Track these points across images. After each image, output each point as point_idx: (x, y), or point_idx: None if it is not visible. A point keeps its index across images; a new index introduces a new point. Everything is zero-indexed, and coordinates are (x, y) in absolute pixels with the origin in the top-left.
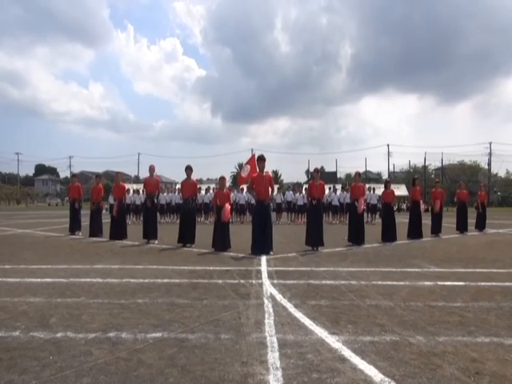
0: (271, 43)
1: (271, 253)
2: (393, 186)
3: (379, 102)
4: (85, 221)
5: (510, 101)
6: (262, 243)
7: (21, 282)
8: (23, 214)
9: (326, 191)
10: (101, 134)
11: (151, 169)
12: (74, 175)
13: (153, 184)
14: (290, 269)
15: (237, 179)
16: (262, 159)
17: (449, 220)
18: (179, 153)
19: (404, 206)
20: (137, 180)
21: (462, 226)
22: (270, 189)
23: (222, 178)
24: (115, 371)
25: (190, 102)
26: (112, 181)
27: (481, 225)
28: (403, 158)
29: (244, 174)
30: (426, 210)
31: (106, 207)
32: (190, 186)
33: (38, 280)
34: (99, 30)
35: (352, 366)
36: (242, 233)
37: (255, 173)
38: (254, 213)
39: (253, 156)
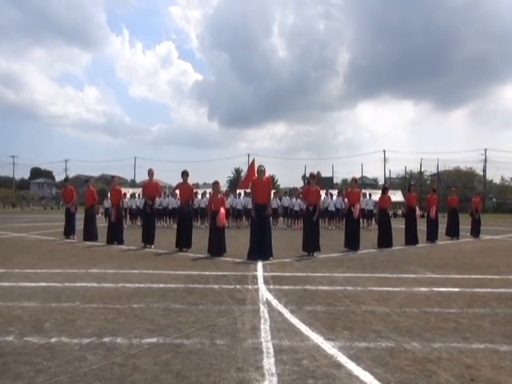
0: (268, 48)
1: (271, 258)
2: (389, 192)
3: (376, 107)
4: (80, 225)
5: (505, 108)
6: (260, 248)
7: (15, 287)
8: (18, 218)
9: (322, 196)
10: (97, 137)
11: (150, 172)
12: (66, 179)
13: (152, 187)
14: (286, 274)
15: (237, 184)
16: (261, 166)
17: (444, 226)
18: (176, 157)
19: (400, 212)
20: (133, 184)
21: (451, 232)
22: (269, 194)
23: (216, 183)
24: (110, 377)
25: (186, 106)
26: (108, 184)
27: (475, 231)
28: (399, 164)
29: (244, 180)
30: (422, 216)
31: (102, 211)
32: (186, 191)
33: (33, 284)
34: (96, 34)
35: (347, 372)
36: (238, 238)
37: (254, 176)
38: (253, 218)
39: (253, 161)
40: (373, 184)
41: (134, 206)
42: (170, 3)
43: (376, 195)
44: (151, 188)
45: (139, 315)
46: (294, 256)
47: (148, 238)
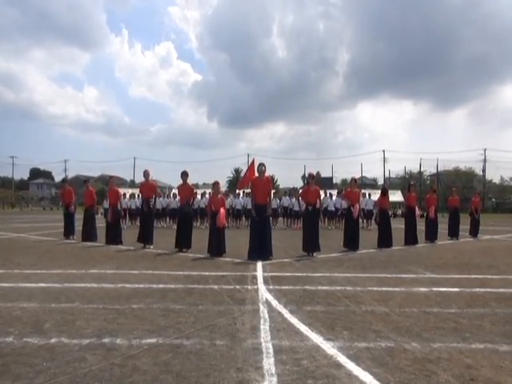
0: (268, 48)
1: (271, 258)
2: (389, 193)
3: (375, 107)
4: (79, 225)
5: (505, 107)
6: (260, 248)
7: (15, 287)
8: (17, 218)
9: (322, 196)
10: (97, 137)
11: (146, 174)
12: (63, 180)
13: (148, 188)
14: (286, 274)
15: (237, 184)
16: (262, 165)
17: (444, 226)
18: (175, 157)
19: (399, 212)
20: (132, 184)
21: (453, 232)
22: (269, 193)
23: (216, 183)
24: (110, 378)
25: (185, 106)
26: (107, 185)
27: (474, 231)
28: (399, 164)
29: (244, 179)
30: (422, 216)
31: (101, 211)
32: (186, 191)
33: (33, 285)
34: (96, 35)
35: (347, 372)
36: (238, 238)
37: (254, 176)
38: (253, 217)
39: (253, 160)
40: (372, 184)
41: (133, 207)
42: (169, 3)
43: (375, 195)
44: (148, 188)
45: (139, 316)
46: (293, 256)
47: (146, 238)
